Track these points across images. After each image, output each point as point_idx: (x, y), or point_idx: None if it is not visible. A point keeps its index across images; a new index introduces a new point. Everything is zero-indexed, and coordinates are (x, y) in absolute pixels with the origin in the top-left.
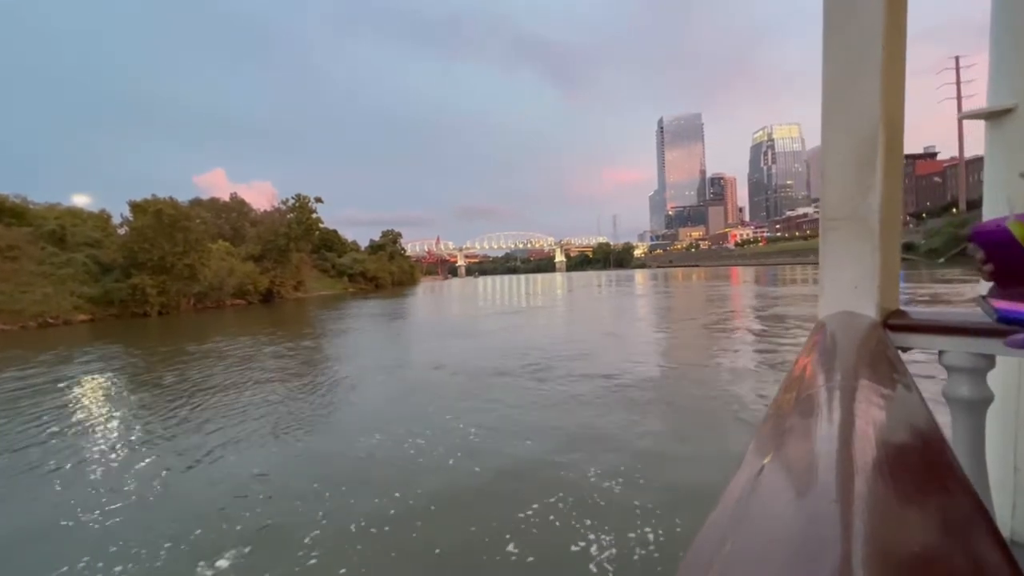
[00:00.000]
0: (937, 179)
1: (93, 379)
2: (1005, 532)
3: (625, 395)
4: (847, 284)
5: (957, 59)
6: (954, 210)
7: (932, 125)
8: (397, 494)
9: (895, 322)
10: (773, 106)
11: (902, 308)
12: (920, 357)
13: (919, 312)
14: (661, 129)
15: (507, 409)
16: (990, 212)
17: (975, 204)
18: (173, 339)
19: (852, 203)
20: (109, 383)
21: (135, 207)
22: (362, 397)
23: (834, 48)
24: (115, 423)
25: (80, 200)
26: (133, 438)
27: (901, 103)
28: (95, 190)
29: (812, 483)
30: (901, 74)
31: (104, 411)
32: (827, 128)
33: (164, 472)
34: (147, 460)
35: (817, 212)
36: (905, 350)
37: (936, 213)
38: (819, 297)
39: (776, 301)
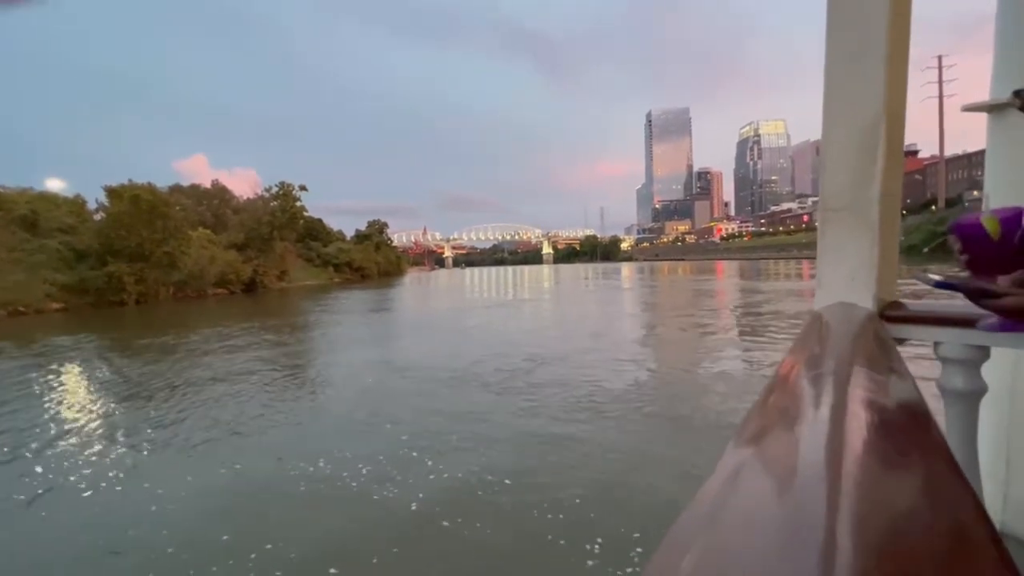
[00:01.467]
0: (917, 177)
1: (22, 376)
2: (995, 523)
3: (605, 411)
4: (844, 275)
5: (940, 58)
6: (933, 208)
7: (910, 123)
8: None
9: (892, 313)
10: (760, 102)
11: (899, 300)
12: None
13: (916, 304)
14: (649, 123)
15: (474, 439)
16: (994, 205)
17: (953, 202)
18: (139, 330)
19: (852, 194)
20: (39, 379)
21: (111, 192)
22: (315, 409)
23: (838, 35)
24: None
25: (54, 184)
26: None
27: (903, 94)
28: (69, 175)
29: (801, 467)
30: (904, 64)
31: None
32: (828, 117)
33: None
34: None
35: (801, 208)
36: (901, 342)
37: (915, 210)
38: (816, 287)
39: (761, 297)
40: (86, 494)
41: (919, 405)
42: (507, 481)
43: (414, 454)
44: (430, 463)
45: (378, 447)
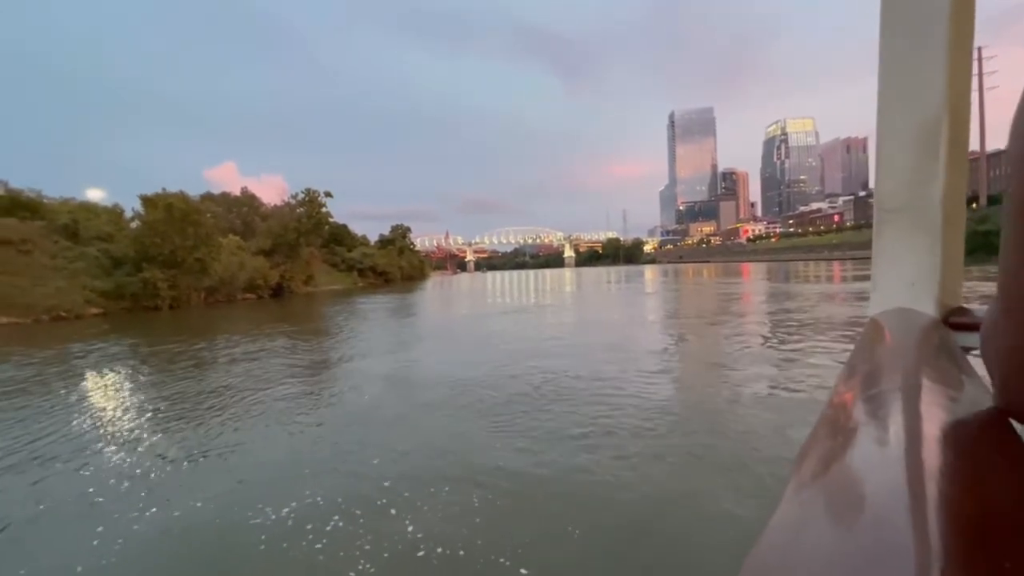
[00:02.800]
0: None
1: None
2: None
3: (621, 452)
4: (903, 280)
5: (979, 49)
6: (973, 205)
7: None
8: None
9: (957, 320)
10: (786, 100)
11: (964, 306)
12: None
13: (983, 310)
14: (672, 123)
15: (466, 491)
16: None
17: (995, 199)
18: (170, 334)
19: (911, 193)
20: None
21: (146, 201)
22: (298, 434)
23: (894, 22)
24: None
25: (94, 194)
26: None
27: (968, 85)
28: (109, 185)
29: (882, 489)
30: (968, 54)
31: None
32: (884, 111)
33: None
34: None
35: (832, 207)
36: (968, 351)
37: None
38: (871, 291)
39: (796, 304)
40: None
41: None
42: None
43: (392, 511)
44: (410, 527)
45: (354, 491)
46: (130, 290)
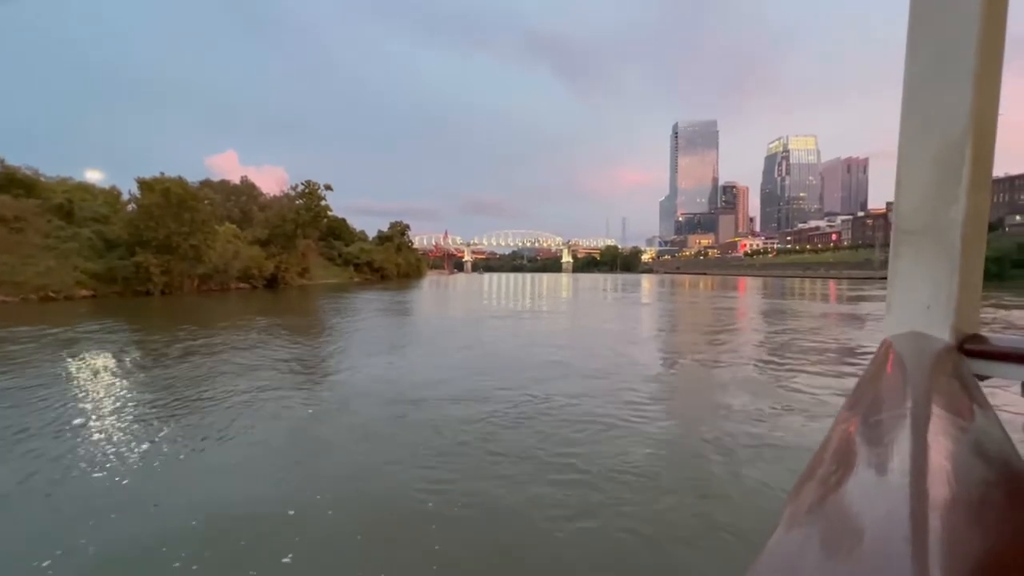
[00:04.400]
0: None
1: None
2: None
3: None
4: (919, 303)
5: None
6: None
7: None
8: None
9: (972, 347)
10: (789, 117)
11: (981, 333)
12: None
13: (1001, 338)
14: (676, 134)
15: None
16: None
17: (994, 226)
18: (148, 321)
19: (930, 215)
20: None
21: (143, 184)
22: (224, 454)
23: (921, 42)
24: None
25: (93, 176)
26: None
27: (995, 108)
28: (108, 168)
29: (882, 517)
30: (997, 75)
31: None
32: (906, 131)
33: None
34: None
35: (830, 226)
36: (983, 379)
37: None
38: (885, 314)
39: (802, 323)
40: None
41: (1009, 451)
42: None
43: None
44: None
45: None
46: (122, 273)
